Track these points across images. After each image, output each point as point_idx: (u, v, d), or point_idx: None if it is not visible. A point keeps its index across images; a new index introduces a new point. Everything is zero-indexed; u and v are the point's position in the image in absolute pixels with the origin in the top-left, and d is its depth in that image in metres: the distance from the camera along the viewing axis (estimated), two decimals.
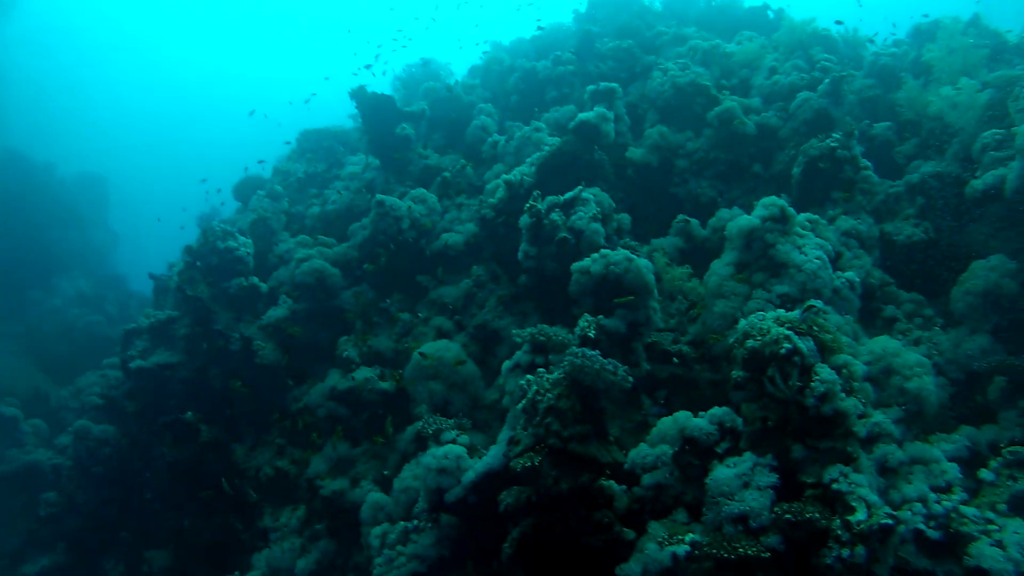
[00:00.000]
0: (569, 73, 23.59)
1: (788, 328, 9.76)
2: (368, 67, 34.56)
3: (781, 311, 10.27)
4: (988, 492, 11.22)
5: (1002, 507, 10.78)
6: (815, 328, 10.04)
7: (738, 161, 19.25)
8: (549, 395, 10.17)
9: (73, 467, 20.91)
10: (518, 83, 24.86)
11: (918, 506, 10.56)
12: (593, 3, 28.82)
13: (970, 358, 13.89)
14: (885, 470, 11.06)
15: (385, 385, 16.77)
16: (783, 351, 9.48)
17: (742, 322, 10.24)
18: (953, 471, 11.14)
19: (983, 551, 9.94)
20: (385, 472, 15.54)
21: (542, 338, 12.44)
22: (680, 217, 17.22)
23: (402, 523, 12.97)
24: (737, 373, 10.16)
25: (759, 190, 18.00)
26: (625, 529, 10.29)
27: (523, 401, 10.68)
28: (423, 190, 19.75)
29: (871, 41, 24.10)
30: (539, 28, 28.67)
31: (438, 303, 18.03)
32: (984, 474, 11.47)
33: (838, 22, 22.86)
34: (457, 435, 13.54)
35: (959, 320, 14.65)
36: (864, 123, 19.65)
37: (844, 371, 9.99)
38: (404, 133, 22.27)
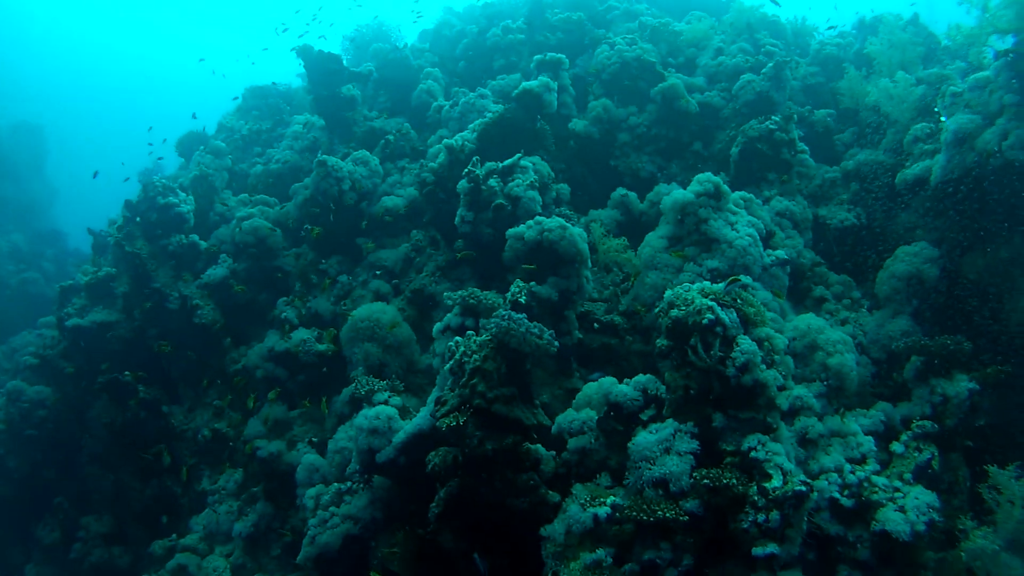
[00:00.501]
0: (518, 42, 23.52)
1: (712, 300, 9.99)
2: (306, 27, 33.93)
3: (707, 283, 10.50)
4: (897, 463, 11.68)
5: (908, 476, 11.25)
6: (739, 301, 10.29)
7: (679, 138, 19.43)
8: (476, 356, 10.30)
9: (5, 431, 20.18)
10: (466, 49, 24.78)
11: (834, 476, 10.97)
12: None
13: (891, 339, 14.37)
14: (806, 441, 11.43)
15: (322, 347, 16.75)
16: (705, 321, 9.71)
17: (668, 292, 10.46)
18: (868, 444, 11.59)
19: (887, 516, 10.36)
20: (314, 439, 15.56)
21: (472, 301, 12.57)
22: (619, 190, 17.42)
23: (336, 484, 13.01)
24: (662, 342, 10.38)
25: (699, 167, 18.21)
26: (550, 492, 10.51)
27: (450, 362, 10.82)
28: (365, 152, 19.61)
29: (817, 31, 24.52)
30: None
31: (377, 266, 17.98)
32: (895, 447, 11.98)
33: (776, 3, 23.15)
34: (389, 396, 13.63)
35: (883, 302, 15.10)
36: (806, 108, 20.00)
37: (765, 344, 10.29)
38: (350, 94, 22.08)
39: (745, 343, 9.78)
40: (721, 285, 10.37)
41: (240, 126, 26.86)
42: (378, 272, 17.76)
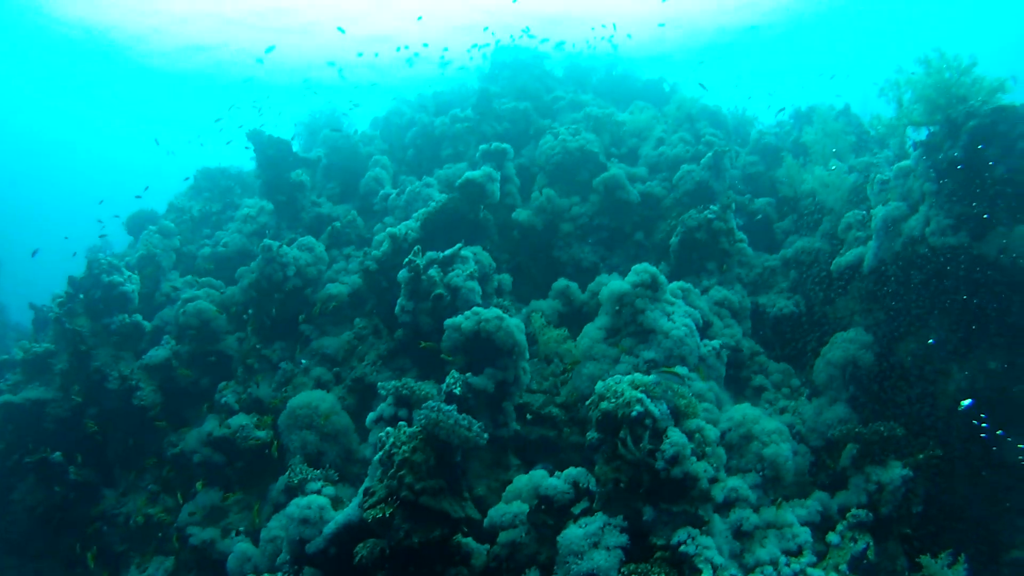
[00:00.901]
0: (465, 131, 23.91)
1: (642, 391, 10.05)
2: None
3: (638, 375, 10.56)
4: (834, 554, 11.71)
5: (843, 567, 11.30)
6: (669, 392, 10.36)
7: (621, 228, 19.73)
8: (405, 448, 10.22)
9: None
10: (415, 138, 25.08)
11: (769, 569, 10.94)
12: (495, 63, 29.54)
13: (828, 426, 14.46)
14: (740, 534, 11.43)
15: (261, 434, 16.52)
16: (634, 413, 9.76)
17: (599, 384, 10.51)
18: (804, 535, 11.61)
19: None
20: (241, 528, 15.25)
21: (405, 392, 12.54)
22: (561, 280, 17.58)
23: (266, 575, 12.75)
24: (592, 435, 10.41)
25: (641, 257, 18.50)
26: None
27: (380, 452, 10.73)
28: (311, 238, 19.65)
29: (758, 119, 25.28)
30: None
31: (319, 353, 17.90)
32: (831, 537, 12.02)
33: (702, 85, 23.84)
34: (323, 486, 13.44)
35: (821, 390, 15.26)
36: (746, 197, 20.46)
37: (697, 435, 10.33)
38: (298, 179, 22.24)
39: (675, 435, 9.83)
40: (652, 376, 10.44)
41: (190, 207, 26.83)
42: (315, 359, 17.68)
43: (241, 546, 14.08)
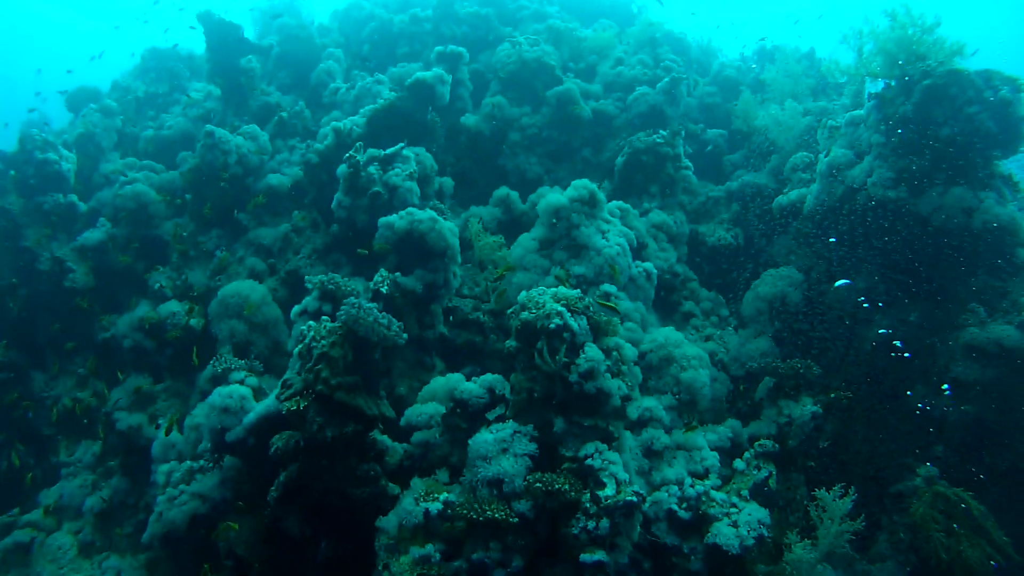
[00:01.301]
0: (424, 32, 23.47)
1: (563, 305, 10.09)
2: None
3: (562, 288, 10.59)
4: (738, 479, 12.02)
5: (745, 492, 11.59)
6: (591, 309, 10.41)
7: (570, 143, 19.61)
8: (323, 342, 10.19)
9: None
10: (372, 33, 24.56)
11: (674, 488, 11.23)
12: None
13: (750, 358, 14.74)
14: (651, 452, 11.69)
15: (192, 322, 16.38)
16: (553, 326, 9.80)
17: (522, 294, 10.52)
18: (712, 459, 11.91)
19: (720, 529, 10.69)
20: (161, 421, 15.18)
21: (331, 286, 12.48)
22: (502, 188, 17.48)
23: (188, 462, 12.71)
24: (511, 343, 10.46)
25: (587, 173, 18.38)
26: (391, 484, 10.51)
27: (299, 345, 10.72)
28: (255, 127, 19.20)
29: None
30: None
31: (255, 243, 17.69)
32: (738, 463, 12.32)
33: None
34: (246, 376, 13.43)
35: (747, 322, 15.49)
36: (699, 126, 20.39)
37: (614, 353, 10.41)
38: (249, 66, 21.64)
39: (592, 351, 9.91)
40: (576, 291, 10.48)
41: (136, 87, 26.05)
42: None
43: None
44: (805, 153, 17.41)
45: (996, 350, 13.25)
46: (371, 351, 10.38)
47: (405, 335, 10.48)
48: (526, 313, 10.08)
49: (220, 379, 13.54)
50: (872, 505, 13.38)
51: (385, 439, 11.07)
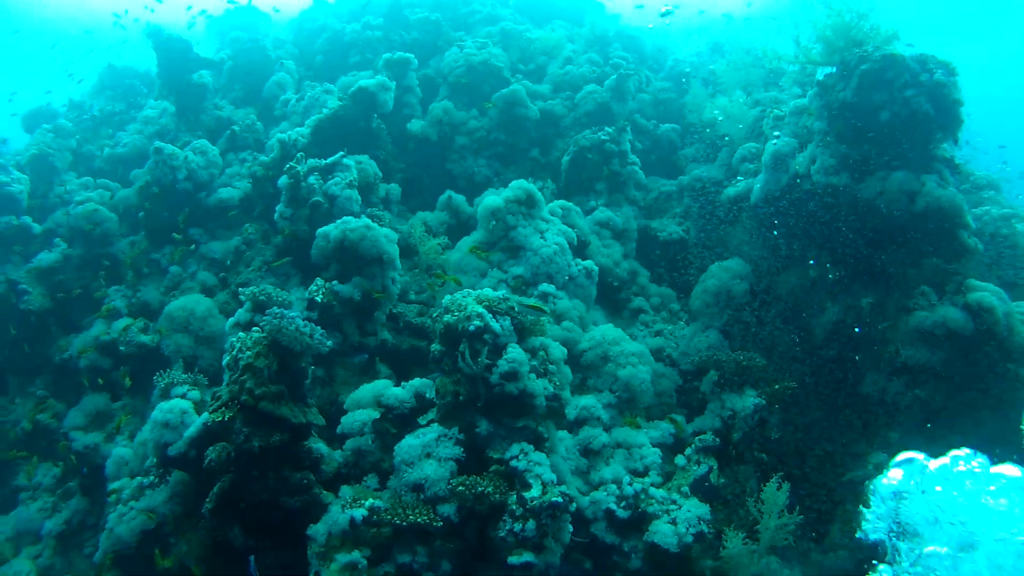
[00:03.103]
0: (375, 39, 23.43)
1: (485, 307, 10.08)
2: None
3: (486, 290, 10.59)
4: (679, 475, 11.99)
5: (685, 489, 11.55)
6: (516, 309, 10.40)
7: (518, 144, 19.61)
8: (248, 353, 10.18)
9: None
10: (325, 44, 24.56)
11: (612, 487, 11.22)
12: None
13: (699, 352, 14.70)
14: (589, 452, 11.70)
15: (146, 338, 16.31)
16: (472, 328, 9.81)
17: (446, 298, 10.55)
18: (653, 455, 11.91)
19: (659, 527, 10.70)
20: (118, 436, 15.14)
21: (263, 297, 12.46)
22: (447, 192, 17.48)
23: (139, 478, 12.69)
24: (435, 347, 10.47)
25: (536, 174, 18.46)
26: (324, 492, 10.47)
27: (227, 357, 10.70)
28: (205, 141, 19.10)
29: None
30: None
31: (207, 257, 17.66)
32: (679, 459, 12.31)
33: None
34: (188, 390, 13.38)
35: (696, 316, 15.47)
36: (652, 122, 20.42)
37: (541, 353, 10.42)
38: (200, 81, 21.64)
39: (513, 352, 9.90)
40: (499, 292, 10.48)
41: (92, 105, 26.01)
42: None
43: (119, 450, 14.05)
44: (753, 144, 17.46)
45: (943, 332, 13.27)
46: (296, 360, 10.34)
47: (329, 342, 10.45)
48: (448, 316, 10.10)
49: (164, 394, 13.49)
50: (826, 495, 13.42)
51: (321, 447, 11.03)
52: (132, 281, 17.92)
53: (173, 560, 11.39)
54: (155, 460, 12.34)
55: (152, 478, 12.53)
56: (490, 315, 9.93)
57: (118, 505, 12.37)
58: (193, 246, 18.00)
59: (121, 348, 16.16)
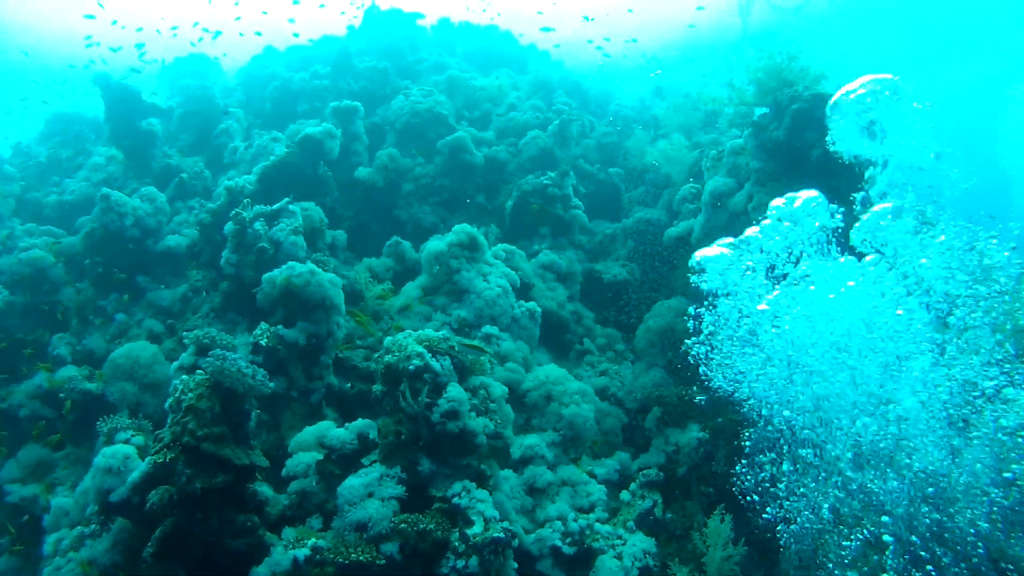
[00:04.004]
0: (323, 88, 23.74)
1: (425, 347, 10.27)
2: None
3: (427, 330, 10.78)
4: (624, 511, 12.17)
5: (631, 524, 11.73)
6: (456, 349, 10.60)
7: (464, 190, 19.91)
8: (191, 395, 10.24)
9: None
10: (274, 92, 24.79)
11: (558, 524, 11.35)
12: (368, 19, 29.19)
13: (643, 390, 14.91)
14: (534, 490, 11.82)
15: (91, 386, 16.17)
16: (412, 367, 9.98)
17: (387, 339, 10.73)
18: (598, 492, 12.10)
19: (604, 563, 10.85)
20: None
21: (206, 341, 12.51)
22: (393, 238, 17.67)
23: (79, 528, 12.54)
24: (377, 387, 10.61)
25: (482, 220, 18.73)
26: (268, 534, 10.48)
27: (170, 399, 10.73)
28: (153, 188, 19.17)
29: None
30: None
31: (155, 305, 17.63)
32: (624, 495, 12.48)
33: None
34: (132, 435, 13.32)
35: (641, 355, 15.72)
36: (596, 166, 20.85)
37: (481, 391, 10.61)
38: (149, 128, 21.73)
39: (453, 391, 10.09)
40: (440, 332, 10.68)
41: (38, 152, 25.90)
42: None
43: (59, 500, 13.83)
44: (692, 184, 17.88)
45: None
46: (239, 401, 10.40)
47: (271, 384, 10.53)
48: (389, 356, 10.27)
49: (108, 439, 13.39)
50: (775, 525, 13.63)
51: (266, 489, 11.05)
52: (77, 328, 17.80)
53: None
54: (96, 508, 12.21)
55: (94, 527, 12.37)
56: (430, 355, 10.12)
57: (55, 558, 12.19)
58: (127, 296, 17.95)
59: (61, 396, 15.98)
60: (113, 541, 12.02)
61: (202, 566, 10.48)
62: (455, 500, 9.87)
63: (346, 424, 11.35)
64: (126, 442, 12.97)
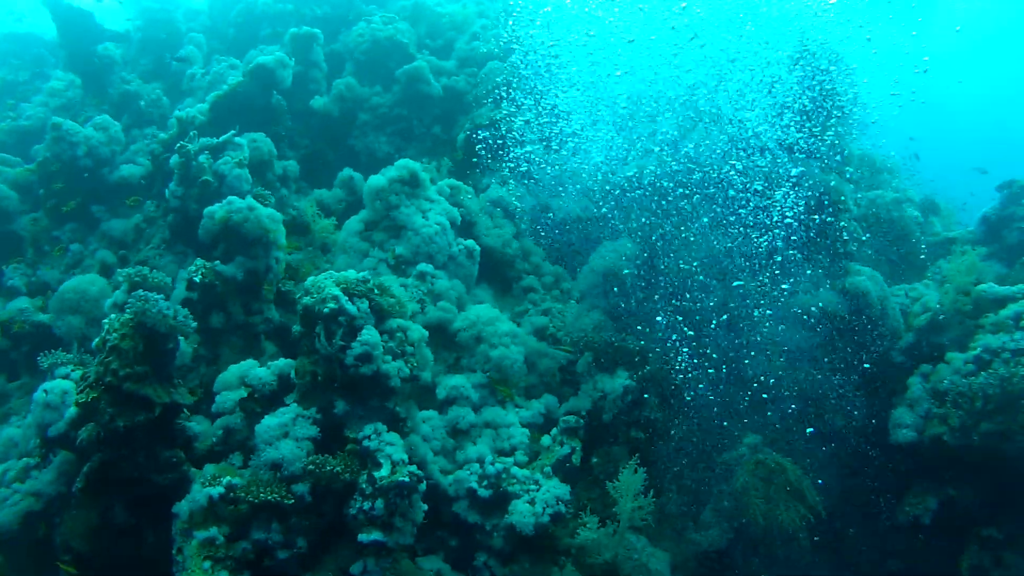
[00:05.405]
0: (286, 12, 23.17)
1: (342, 289, 10.26)
2: None
3: (350, 272, 10.73)
4: (544, 456, 12.25)
5: (547, 469, 11.82)
6: (375, 291, 10.57)
7: (421, 120, 19.66)
8: (115, 334, 10.25)
9: None
10: (238, 16, 24.21)
11: (476, 466, 11.50)
12: None
13: (582, 332, 14.73)
14: (456, 432, 11.93)
15: (44, 317, 16.17)
16: (327, 310, 9.99)
17: (308, 280, 10.70)
18: (520, 436, 12.21)
19: (517, 508, 11.01)
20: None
21: (138, 279, 12.46)
22: (346, 170, 17.50)
23: (25, 459, 12.67)
24: (296, 328, 10.64)
25: (436, 151, 18.56)
26: (194, 469, 10.61)
27: (97, 339, 10.73)
28: (107, 117, 18.86)
29: None
30: None
31: (108, 236, 17.54)
32: (544, 439, 12.54)
33: None
34: (72, 370, 13.35)
35: (583, 296, 15.54)
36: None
37: (399, 334, 10.63)
38: (106, 54, 21.28)
39: (367, 334, 10.13)
40: (360, 274, 10.64)
41: None
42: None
43: (8, 431, 13.96)
44: None
45: (819, 315, 13.63)
46: (164, 341, 10.42)
47: (194, 324, 10.53)
48: (307, 298, 10.29)
49: (50, 373, 13.43)
50: (703, 475, 13.73)
51: (194, 426, 11.16)
52: (32, 259, 17.73)
53: (59, 541, 11.40)
54: (38, 441, 12.33)
55: (37, 459, 12.52)
56: (347, 297, 10.11)
57: (0, 488, 12.34)
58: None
59: (14, 328, 15.98)
60: (57, 473, 12.20)
61: (137, 500, 10.65)
62: (365, 443, 10.00)
63: (268, 363, 11.37)
64: (66, 377, 12.99)
